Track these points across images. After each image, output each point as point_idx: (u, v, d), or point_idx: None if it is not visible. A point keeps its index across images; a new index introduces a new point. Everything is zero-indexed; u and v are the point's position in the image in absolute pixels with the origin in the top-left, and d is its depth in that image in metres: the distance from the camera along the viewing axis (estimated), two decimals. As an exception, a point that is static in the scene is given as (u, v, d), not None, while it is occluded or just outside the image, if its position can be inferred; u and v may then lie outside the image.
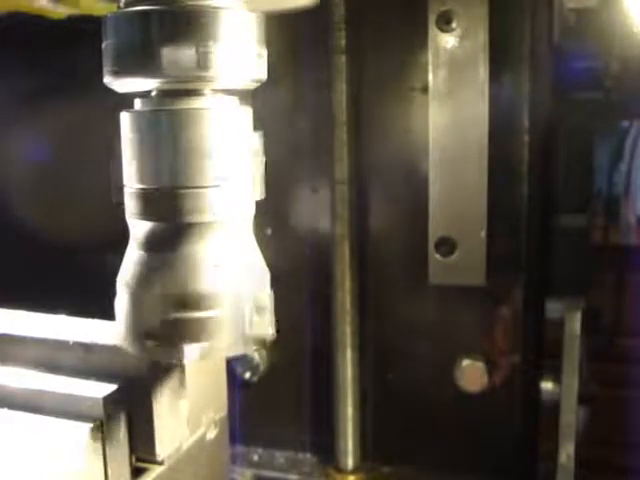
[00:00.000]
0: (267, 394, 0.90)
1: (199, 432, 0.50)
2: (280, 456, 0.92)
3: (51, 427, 0.43)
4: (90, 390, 0.44)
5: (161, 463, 0.46)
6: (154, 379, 0.45)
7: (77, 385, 0.45)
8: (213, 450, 0.51)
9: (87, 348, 0.46)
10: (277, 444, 0.92)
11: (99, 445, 0.43)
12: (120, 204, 0.44)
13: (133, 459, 0.46)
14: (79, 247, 0.89)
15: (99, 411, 0.43)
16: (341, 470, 0.88)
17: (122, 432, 0.44)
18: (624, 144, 1.01)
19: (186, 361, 0.42)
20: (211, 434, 0.51)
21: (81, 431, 0.42)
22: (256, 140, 0.45)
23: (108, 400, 0.43)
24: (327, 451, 0.89)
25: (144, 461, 0.46)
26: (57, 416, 0.44)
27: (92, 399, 0.43)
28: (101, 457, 0.43)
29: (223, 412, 0.52)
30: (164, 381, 0.45)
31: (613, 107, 0.95)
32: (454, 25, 0.76)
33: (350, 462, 0.87)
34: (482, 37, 0.76)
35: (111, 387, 0.44)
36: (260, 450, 0.93)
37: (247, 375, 0.90)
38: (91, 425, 0.42)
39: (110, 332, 0.46)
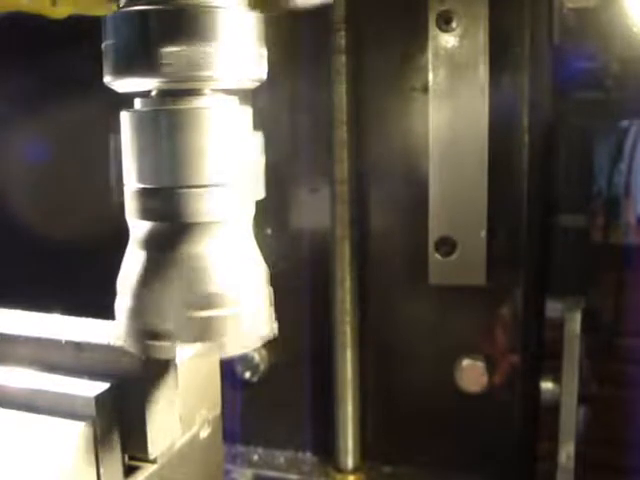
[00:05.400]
0: (267, 394, 0.90)
1: (192, 431, 0.49)
2: (280, 456, 0.92)
3: (43, 426, 0.43)
4: (82, 389, 0.44)
5: (153, 462, 0.46)
6: (147, 378, 0.45)
7: (69, 384, 0.44)
8: (206, 449, 0.51)
9: (79, 347, 0.46)
10: (277, 444, 0.92)
11: (91, 444, 0.43)
12: (121, 203, 0.44)
13: (125, 458, 0.46)
14: (79, 247, 0.89)
15: (91, 410, 0.43)
16: (341, 470, 0.88)
17: (114, 431, 0.44)
18: (624, 144, 1.01)
19: (178, 360, 0.42)
20: (204, 433, 0.51)
21: (73, 430, 0.42)
22: (256, 140, 0.45)
23: (100, 399, 0.43)
24: (327, 451, 0.89)
25: (136, 460, 0.46)
26: (49, 415, 0.43)
27: (84, 398, 0.43)
28: (93, 456, 0.43)
29: (217, 411, 0.52)
30: (157, 380, 0.45)
31: (613, 107, 0.95)
32: (454, 25, 0.76)
33: (350, 462, 0.87)
34: (482, 37, 0.76)
35: (103, 386, 0.44)
36: (260, 450, 0.93)
37: (247, 375, 0.90)
38: (83, 424, 0.42)
39: (103, 331, 0.46)
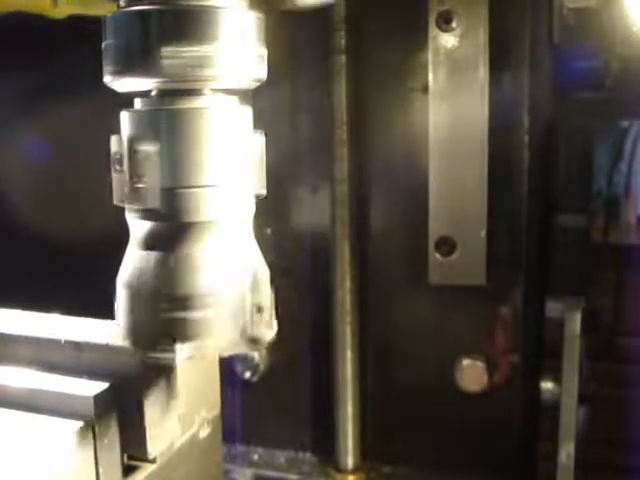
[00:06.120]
0: (267, 394, 0.90)
1: (191, 430, 0.50)
2: (280, 456, 0.92)
3: (42, 425, 0.43)
4: (81, 389, 0.44)
5: (153, 461, 0.46)
6: (146, 378, 0.45)
7: (68, 384, 0.45)
8: (206, 448, 0.51)
9: (78, 347, 0.46)
10: (277, 444, 0.92)
11: (90, 443, 0.43)
12: (121, 203, 0.44)
13: (124, 457, 0.46)
14: (79, 247, 0.89)
15: (90, 410, 0.43)
16: (341, 470, 0.88)
17: (113, 430, 0.44)
18: (624, 144, 1.01)
19: (179, 360, 0.42)
20: (204, 433, 0.51)
21: (72, 429, 0.42)
22: (257, 139, 0.45)
23: (99, 399, 0.43)
24: (327, 451, 0.89)
25: (135, 459, 0.46)
26: (48, 414, 0.44)
27: (83, 398, 0.43)
28: (92, 455, 0.43)
29: (216, 411, 0.52)
30: (156, 380, 0.45)
31: (613, 107, 0.95)
32: (454, 25, 0.76)
33: (350, 462, 0.87)
34: (482, 37, 0.76)
35: (102, 386, 0.44)
36: (260, 450, 0.93)
37: (247, 375, 0.90)
38: (82, 424, 0.42)
39: (103, 331, 0.46)
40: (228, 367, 0.88)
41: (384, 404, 0.88)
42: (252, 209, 0.45)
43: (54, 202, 0.97)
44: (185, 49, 0.40)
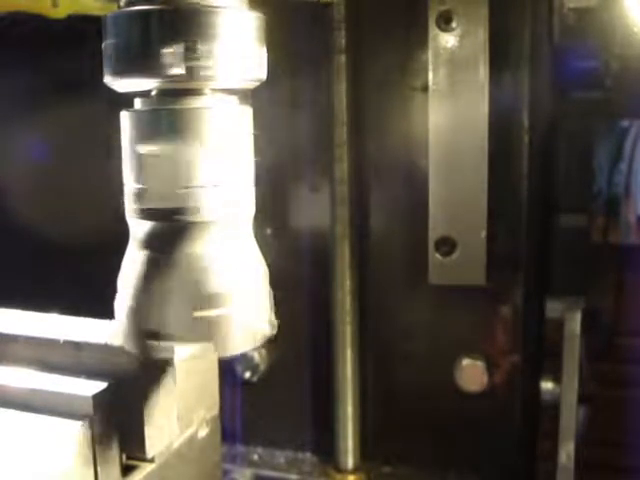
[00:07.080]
0: (267, 394, 0.90)
1: (190, 430, 0.50)
2: (280, 456, 0.92)
3: (41, 425, 0.43)
4: (80, 388, 0.44)
5: (151, 461, 0.46)
6: (144, 378, 0.45)
7: (67, 383, 0.45)
8: (204, 448, 0.51)
9: (77, 346, 0.46)
10: (277, 444, 0.92)
11: (89, 443, 0.43)
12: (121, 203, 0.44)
13: (123, 457, 0.46)
14: (79, 247, 0.89)
15: (89, 409, 0.43)
16: (341, 470, 0.88)
17: (112, 430, 0.44)
18: (624, 144, 1.01)
19: (178, 360, 0.43)
20: (202, 432, 0.51)
21: (71, 429, 0.42)
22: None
23: (98, 398, 0.43)
24: (327, 451, 0.89)
25: (134, 459, 0.46)
26: (47, 414, 0.44)
27: (82, 397, 0.43)
28: (91, 455, 0.43)
29: (215, 411, 0.53)
30: (154, 380, 0.45)
31: (613, 107, 0.95)
32: (454, 25, 0.76)
33: (350, 462, 0.87)
34: (482, 37, 0.76)
35: (101, 385, 0.44)
36: (260, 450, 0.93)
37: (247, 375, 0.90)
38: (81, 423, 0.42)
39: (102, 331, 0.46)
40: (228, 367, 0.89)
41: (384, 404, 0.88)
42: (252, 209, 0.45)
43: (54, 202, 0.97)
44: (185, 48, 0.40)
